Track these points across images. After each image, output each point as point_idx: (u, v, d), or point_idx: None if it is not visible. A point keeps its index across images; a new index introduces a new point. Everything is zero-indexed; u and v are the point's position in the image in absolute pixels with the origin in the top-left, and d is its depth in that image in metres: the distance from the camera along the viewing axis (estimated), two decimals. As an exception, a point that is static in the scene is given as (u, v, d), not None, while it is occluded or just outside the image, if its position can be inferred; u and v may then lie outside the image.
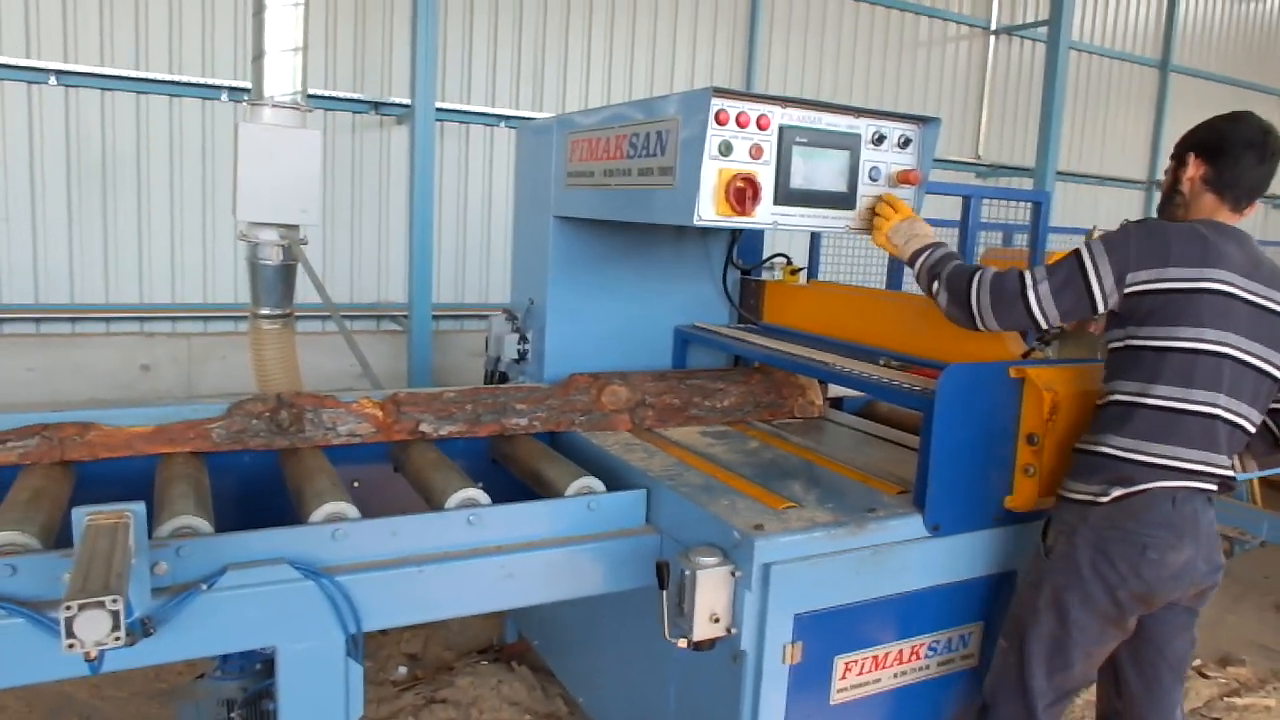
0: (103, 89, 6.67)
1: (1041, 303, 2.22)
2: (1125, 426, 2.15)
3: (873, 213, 2.60)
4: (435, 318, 7.30)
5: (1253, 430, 2.21)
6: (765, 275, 3.64)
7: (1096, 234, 2.45)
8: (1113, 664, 2.35)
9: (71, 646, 1.51)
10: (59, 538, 2.02)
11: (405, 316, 7.28)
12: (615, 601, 2.51)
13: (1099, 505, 2.16)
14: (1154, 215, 2.43)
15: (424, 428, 2.76)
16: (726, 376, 3.25)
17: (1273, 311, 2.15)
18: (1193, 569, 2.16)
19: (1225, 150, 2.22)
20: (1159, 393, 2.12)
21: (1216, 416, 2.13)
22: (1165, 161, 2.41)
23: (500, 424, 2.86)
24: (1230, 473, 2.19)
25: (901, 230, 2.54)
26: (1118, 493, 2.14)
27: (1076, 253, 2.21)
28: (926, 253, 2.47)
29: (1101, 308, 2.19)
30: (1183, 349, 2.10)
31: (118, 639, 1.52)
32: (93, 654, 1.56)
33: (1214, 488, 2.17)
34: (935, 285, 2.41)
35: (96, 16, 6.59)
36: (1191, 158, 2.27)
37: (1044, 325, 2.25)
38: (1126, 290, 2.14)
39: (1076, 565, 2.19)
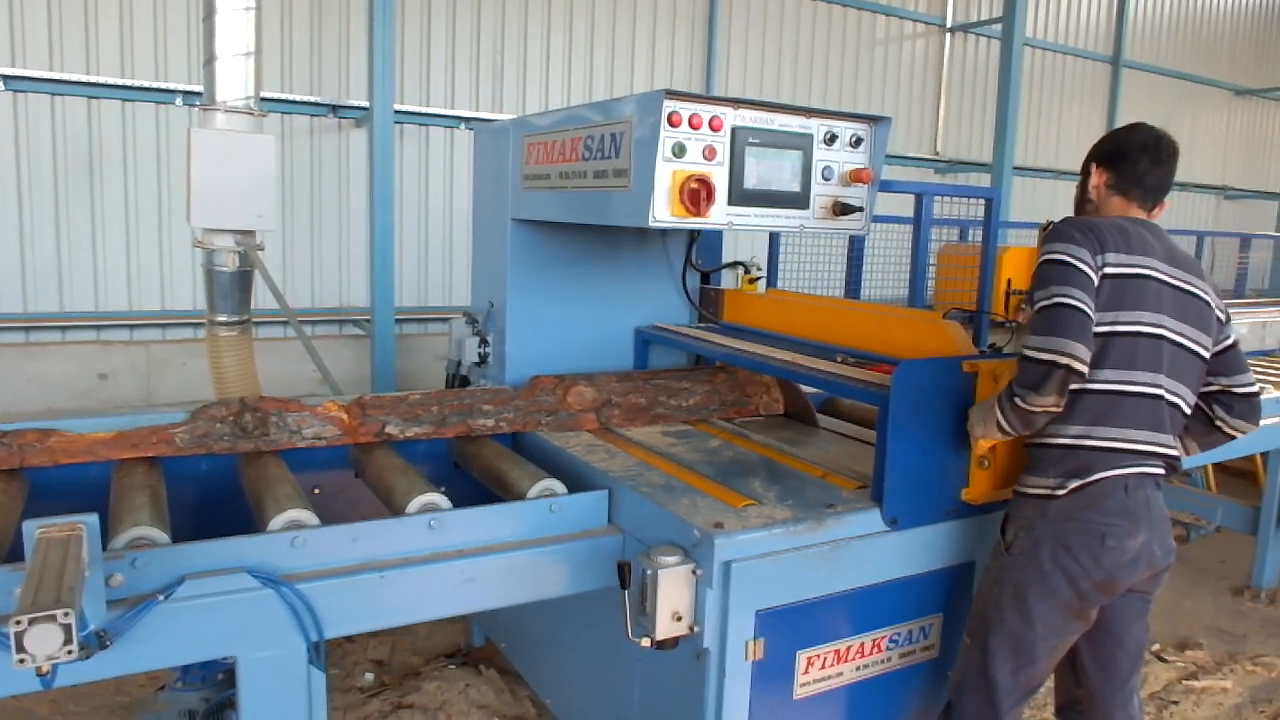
0: (52, 94, 6.56)
1: (1079, 300, 2.10)
2: (1073, 414, 2.20)
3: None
4: (398, 321, 7.27)
5: (1189, 411, 2.31)
6: (725, 281, 3.66)
7: (1049, 228, 2.49)
8: (1071, 655, 2.40)
9: (22, 661, 1.49)
10: (11, 551, 1.99)
11: (368, 320, 7.24)
12: (580, 603, 2.51)
13: (1057, 498, 2.22)
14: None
15: (390, 429, 2.75)
16: (691, 376, 3.27)
17: (1194, 295, 2.28)
18: (1148, 553, 2.23)
19: (1123, 155, 2.38)
20: (1104, 376, 2.18)
21: (1159, 397, 2.22)
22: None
23: (467, 425, 2.85)
24: (1176, 453, 2.27)
25: (974, 418, 2.35)
26: (1074, 484, 2.20)
27: (1048, 261, 2.18)
28: (997, 408, 2.22)
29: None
30: (1125, 333, 2.18)
31: (70, 653, 1.50)
32: (45, 668, 1.54)
33: (1162, 471, 2.25)
34: (1013, 415, 2.18)
35: (45, 19, 6.47)
36: (1094, 167, 2.43)
37: (1093, 317, 2.12)
38: (1102, 274, 2.18)
39: (1038, 560, 2.23)
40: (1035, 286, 2.21)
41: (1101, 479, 2.19)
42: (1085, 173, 2.47)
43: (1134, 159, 2.36)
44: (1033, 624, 2.25)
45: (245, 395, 2.71)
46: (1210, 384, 2.37)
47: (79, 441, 2.44)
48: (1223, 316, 2.37)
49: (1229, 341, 2.38)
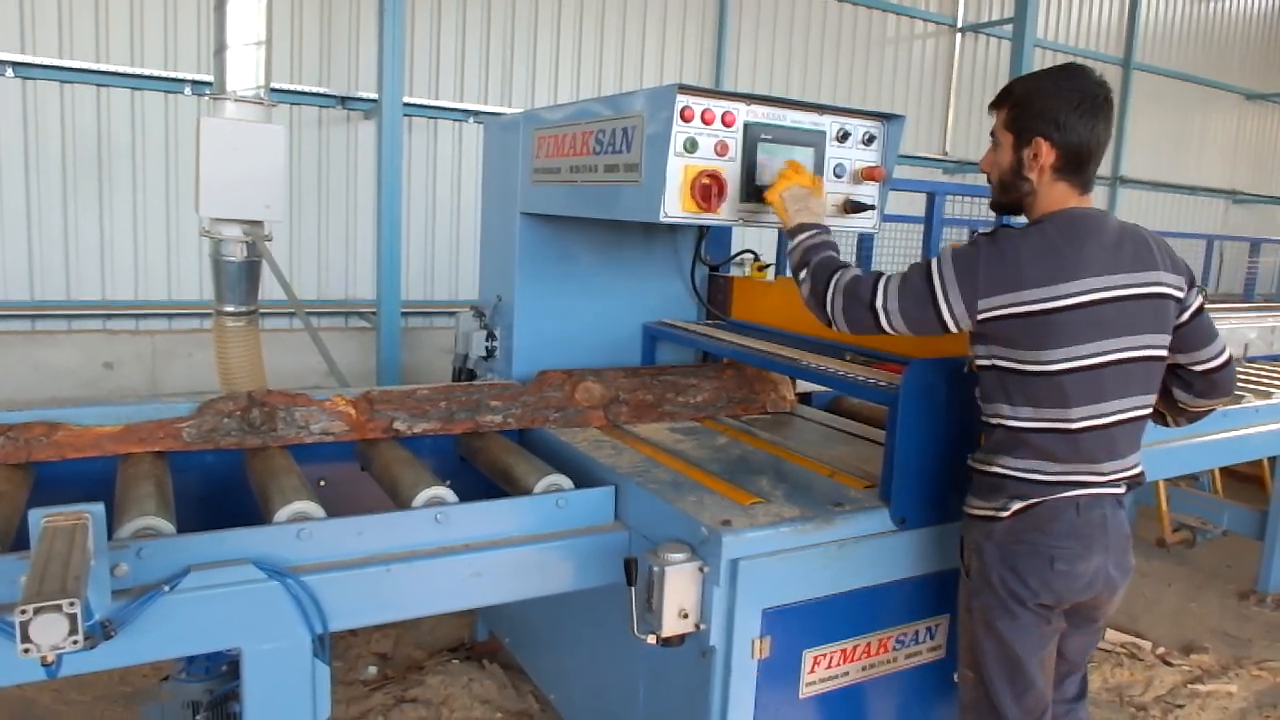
0: (62, 81, 6.55)
1: (890, 317, 2.09)
2: (1020, 450, 2.07)
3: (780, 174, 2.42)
4: (404, 314, 7.25)
5: (1150, 412, 2.15)
6: (734, 271, 3.65)
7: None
8: None
9: (27, 651, 1.48)
10: (16, 540, 1.98)
11: (374, 313, 7.23)
12: (585, 599, 2.50)
13: (1001, 520, 2.10)
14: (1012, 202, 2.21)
15: (398, 425, 2.74)
16: (699, 372, 3.26)
17: (1142, 296, 2.03)
18: (1103, 576, 2.10)
19: (1069, 124, 2.02)
20: (1047, 416, 2.03)
21: (1117, 423, 2.06)
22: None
23: (474, 421, 2.84)
24: (1140, 469, 2.14)
25: (798, 196, 2.36)
26: (1018, 506, 2.08)
27: (927, 268, 2.06)
28: (810, 233, 2.28)
29: (953, 329, 2.06)
30: (1059, 370, 1.99)
31: (75, 642, 1.50)
32: (50, 658, 1.53)
33: (1123, 490, 2.12)
34: (803, 272, 2.25)
35: (55, 6, 6.46)
36: (1044, 145, 2.04)
37: (892, 332, 2.12)
38: (980, 317, 2.01)
39: (991, 585, 2.13)
40: (909, 278, 2.10)
41: (1048, 500, 2.06)
42: (1021, 140, 2.08)
43: (1085, 127, 2.02)
44: (1012, 646, 2.13)
45: (252, 386, 2.70)
46: (1170, 358, 2.15)
47: (85, 436, 2.43)
48: (1180, 294, 2.10)
49: (1189, 313, 2.14)
